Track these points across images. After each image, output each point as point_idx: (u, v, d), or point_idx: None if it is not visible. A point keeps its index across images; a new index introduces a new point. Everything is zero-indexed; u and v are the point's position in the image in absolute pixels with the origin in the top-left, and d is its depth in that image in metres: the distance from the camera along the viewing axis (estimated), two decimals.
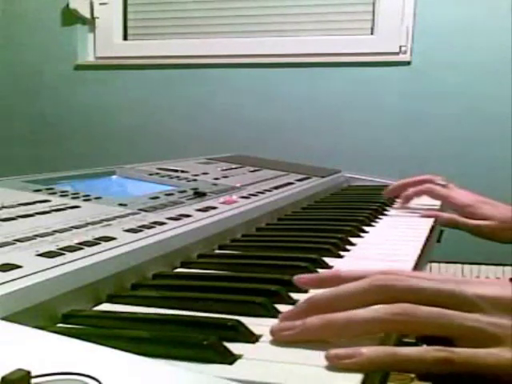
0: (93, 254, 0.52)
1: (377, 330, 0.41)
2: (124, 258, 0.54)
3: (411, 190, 1.05)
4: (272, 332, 0.41)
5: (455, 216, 0.99)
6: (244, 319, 0.42)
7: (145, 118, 2.45)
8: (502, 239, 0.97)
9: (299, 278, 0.48)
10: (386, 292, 0.42)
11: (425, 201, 1.06)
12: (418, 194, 1.05)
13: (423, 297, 0.41)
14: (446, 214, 0.99)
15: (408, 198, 1.05)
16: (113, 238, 0.57)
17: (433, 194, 1.04)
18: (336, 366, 0.36)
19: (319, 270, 0.59)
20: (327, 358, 0.37)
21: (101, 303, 0.49)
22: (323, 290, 0.44)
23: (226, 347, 0.38)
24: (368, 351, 0.37)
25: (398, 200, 1.11)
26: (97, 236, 0.57)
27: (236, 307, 0.46)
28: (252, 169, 1.23)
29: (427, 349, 0.38)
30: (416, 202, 1.06)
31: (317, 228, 0.83)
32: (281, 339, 0.40)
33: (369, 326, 0.40)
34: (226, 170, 1.18)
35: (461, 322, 0.40)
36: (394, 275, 0.43)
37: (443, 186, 1.05)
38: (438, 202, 1.07)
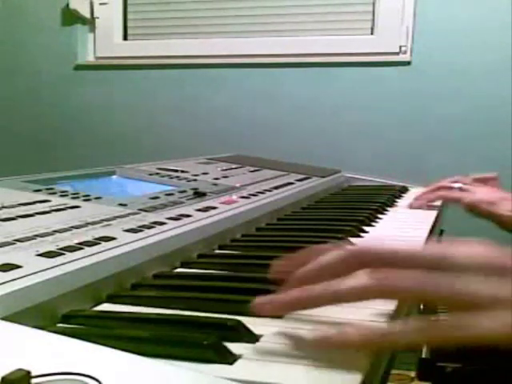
0: (93, 254, 0.52)
1: (365, 298, 0.38)
2: (124, 258, 0.54)
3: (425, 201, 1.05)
4: (254, 306, 0.41)
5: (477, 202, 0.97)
6: (244, 319, 0.42)
7: (145, 118, 2.45)
8: None
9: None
10: (363, 256, 0.40)
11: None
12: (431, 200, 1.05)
13: (400, 259, 0.38)
14: (468, 198, 0.98)
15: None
16: (113, 238, 0.57)
17: (446, 199, 1.04)
18: (325, 347, 0.36)
19: None
20: (316, 343, 0.37)
21: (101, 303, 0.49)
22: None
23: (226, 347, 0.38)
24: (355, 328, 0.37)
25: (398, 200, 1.11)
26: (97, 236, 0.57)
27: (236, 307, 0.46)
28: (252, 169, 1.23)
29: (408, 320, 0.37)
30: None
31: (317, 228, 0.83)
32: (262, 313, 0.41)
33: (356, 294, 0.38)
34: (226, 169, 1.18)
35: (444, 286, 0.36)
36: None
37: (460, 188, 1.03)
38: (438, 202, 1.06)
